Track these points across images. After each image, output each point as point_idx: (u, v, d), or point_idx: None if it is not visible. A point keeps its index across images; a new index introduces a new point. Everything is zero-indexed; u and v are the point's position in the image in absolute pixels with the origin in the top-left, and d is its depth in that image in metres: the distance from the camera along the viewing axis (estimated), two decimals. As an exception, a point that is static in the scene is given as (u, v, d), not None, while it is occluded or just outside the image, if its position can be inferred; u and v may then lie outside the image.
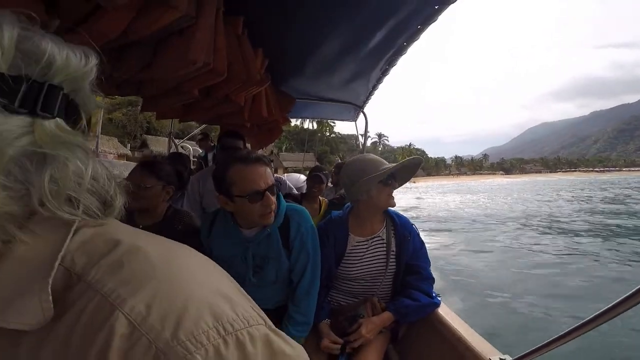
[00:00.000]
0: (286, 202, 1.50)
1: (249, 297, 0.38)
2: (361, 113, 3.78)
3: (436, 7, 1.50)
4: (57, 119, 0.35)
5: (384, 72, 2.46)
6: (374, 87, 2.95)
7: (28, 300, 0.29)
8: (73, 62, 0.36)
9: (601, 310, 0.78)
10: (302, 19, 1.75)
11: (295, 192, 3.18)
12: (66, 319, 0.30)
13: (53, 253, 0.32)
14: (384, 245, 1.64)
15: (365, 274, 1.64)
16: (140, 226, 1.56)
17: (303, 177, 4.18)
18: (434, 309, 1.61)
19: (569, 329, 0.86)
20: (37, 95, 0.33)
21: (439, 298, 1.64)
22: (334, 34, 1.89)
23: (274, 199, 1.31)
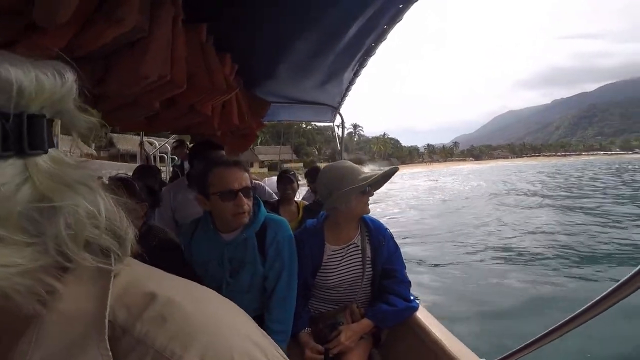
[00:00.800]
0: (267, 211, 1.54)
1: (268, 337, 0.40)
2: (338, 114, 3.77)
3: (400, 5, 1.49)
4: (51, 151, 0.32)
5: (356, 73, 2.46)
6: (348, 88, 2.94)
7: (89, 358, 0.29)
8: (47, 84, 0.31)
9: (576, 312, 0.80)
10: (270, 21, 1.71)
11: (275, 197, 3.05)
12: None
13: (98, 307, 0.31)
14: (360, 252, 1.64)
15: (343, 282, 1.64)
16: None
17: None
18: (413, 313, 1.62)
19: (546, 331, 0.88)
20: (19, 131, 0.29)
21: (417, 301, 1.66)
22: (304, 36, 1.85)
23: (247, 201, 1.37)
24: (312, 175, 2.88)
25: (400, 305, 1.58)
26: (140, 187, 1.60)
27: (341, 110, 3.66)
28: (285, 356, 0.39)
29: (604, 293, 0.73)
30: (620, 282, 0.70)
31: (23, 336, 0.30)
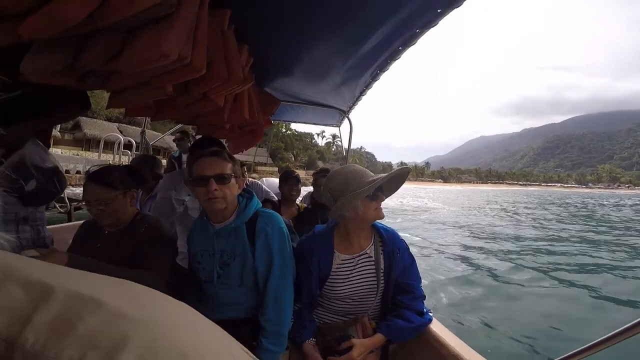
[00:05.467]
0: (264, 208, 1.57)
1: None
2: (346, 119, 3.69)
3: (438, 10, 1.45)
4: None
5: (374, 77, 2.39)
6: (362, 93, 2.87)
7: None
8: None
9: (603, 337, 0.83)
10: (293, 19, 1.63)
11: (274, 197, 3.00)
12: None
13: None
14: (372, 263, 1.55)
15: (353, 294, 1.55)
16: (106, 232, 1.55)
17: None
18: (427, 326, 1.55)
19: (583, 347, 0.89)
20: None
21: (430, 314, 1.59)
22: (325, 39, 1.79)
23: (221, 187, 1.40)
24: (321, 174, 2.82)
25: (417, 321, 1.51)
26: (122, 175, 1.57)
27: (350, 116, 3.61)
28: None
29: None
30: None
31: None
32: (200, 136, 2.25)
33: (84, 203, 1.69)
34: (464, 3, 1.32)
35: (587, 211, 31.27)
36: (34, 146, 1.65)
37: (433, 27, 1.55)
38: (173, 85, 1.29)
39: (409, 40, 1.72)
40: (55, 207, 4.07)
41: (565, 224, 19.23)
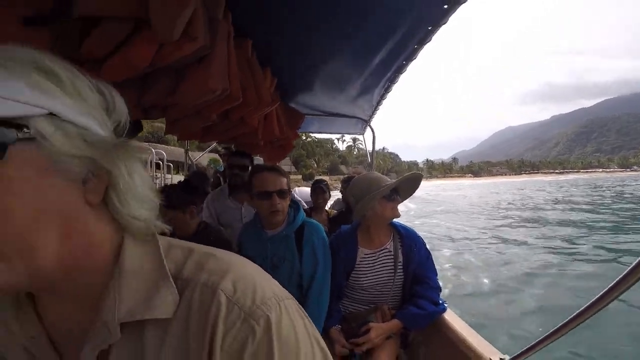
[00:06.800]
0: (307, 218, 1.75)
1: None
2: (368, 127, 3.82)
3: (429, 28, 1.60)
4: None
5: (387, 89, 2.56)
6: (379, 103, 3.03)
7: (163, 295, 0.41)
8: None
9: (584, 307, 0.85)
10: (307, 39, 1.81)
11: (305, 205, 3.22)
12: (180, 304, 0.41)
13: (157, 260, 0.43)
14: (392, 257, 1.74)
15: (375, 284, 1.74)
16: None
17: None
18: (440, 315, 1.72)
19: (559, 325, 0.93)
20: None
21: (445, 305, 1.76)
22: (338, 54, 1.96)
23: (281, 201, 1.57)
24: (345, 182, 3.13)
25: (429, 309, 1.68)
26: (178, 196, 1.73)
27: (372, 123, 3.73)
28: (293, 304, 0.47)
29: (605, 289, 0.78)
30: (620, 276, 0.74)
31: (105, 296, 0.41)
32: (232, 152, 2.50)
33: None
34: None
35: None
36: None
37: (444, 24, 1.61)
38: (216, 113, 1.53)
39: (411, 55, 1.87)
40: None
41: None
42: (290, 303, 0.45)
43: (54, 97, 0.37)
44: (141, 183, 0.43)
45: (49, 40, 0.96)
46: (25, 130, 0.34)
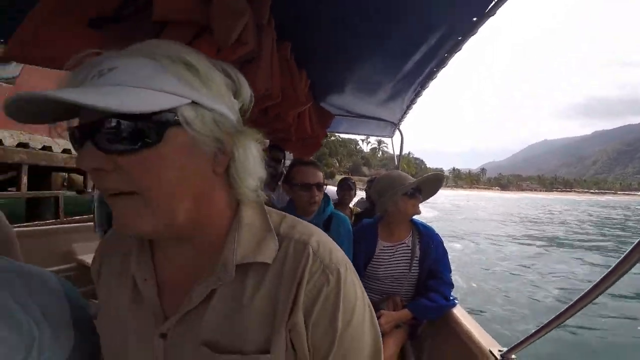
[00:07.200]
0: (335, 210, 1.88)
1: None
2: (397, 130, 3.89)
3: (459, 38, 1.67)
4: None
5: (417, 94, 2.63)
6: (409, 107, 3.10)
7: (269, 243, 0.53)
8: None
9: (576, 299, 0.91)
10: (342, 42, 1.90)
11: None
12: (278, 254, 0.53)
13: (265, 222, 0.56)
14: (409, 251, 1.86)
15: (390, 275, 1.86)
16: None
17: None
18: (450, 309, 1.82)
19: (552, 318, 1.00)
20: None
21: (456, 300, 1.86)
22: (370, 58, 2.06)
23: (319, 193, 1.72)
24: (370, 182, 3.19)
25: (440, 302, 1.78)
26: None
27: (401, 127, 3.78)
28: (354, 268, 0.57)
29: (597, 280, 0.84)
30: (612, 266, 0.80)
31: (225, 243, 0.52)
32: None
33: None
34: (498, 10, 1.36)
35: None
36: None
37: (459, 51, 1.76)
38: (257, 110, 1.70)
39: (441, 62, 1.94)
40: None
41: None
42: (353, 267, 0.57)
43: (195, 88, 0.45)
44: (253, 160, 0.53)
45: (111, 41, 1.13)
46: (175, 118, 0.43)
